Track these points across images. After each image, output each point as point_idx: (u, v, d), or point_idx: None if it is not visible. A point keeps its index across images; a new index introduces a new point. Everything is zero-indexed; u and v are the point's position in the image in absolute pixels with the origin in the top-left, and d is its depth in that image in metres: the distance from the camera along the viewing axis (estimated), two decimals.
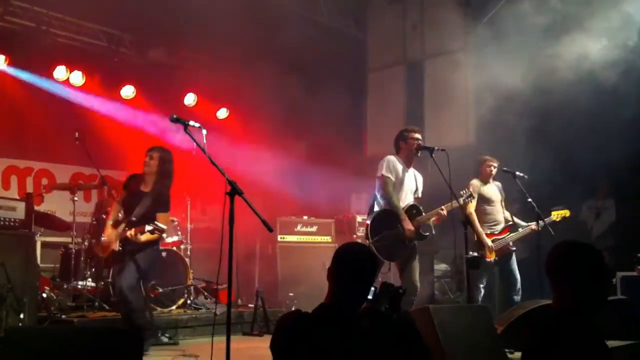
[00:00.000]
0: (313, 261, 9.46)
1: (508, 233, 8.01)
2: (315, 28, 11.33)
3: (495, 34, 9.18)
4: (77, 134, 8.07)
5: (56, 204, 9.69)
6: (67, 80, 9.92)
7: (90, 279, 8.27)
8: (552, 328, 3.12)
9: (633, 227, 9.07)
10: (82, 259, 8.34)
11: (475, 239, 7.89)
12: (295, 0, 10.78)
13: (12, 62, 9.42)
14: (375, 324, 3.33)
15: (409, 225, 6.96)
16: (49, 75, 9.78)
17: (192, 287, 9.04)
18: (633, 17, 8.44)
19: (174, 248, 9.06)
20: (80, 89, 10.06)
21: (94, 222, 8.64)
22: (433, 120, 11.06)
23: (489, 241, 7.92)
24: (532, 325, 3.28)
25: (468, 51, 10.71)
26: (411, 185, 7.29)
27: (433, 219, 7.10)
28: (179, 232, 9.30)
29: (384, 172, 7.11)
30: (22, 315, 6.50)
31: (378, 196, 7.18)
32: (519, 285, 7.97)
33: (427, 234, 7.17)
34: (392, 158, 7.23)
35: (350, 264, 3.36)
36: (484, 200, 8.11)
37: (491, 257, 7.89)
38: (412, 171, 7.35)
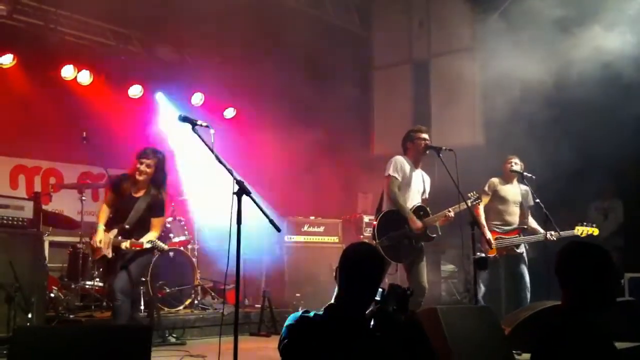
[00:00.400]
0: (320, 261, 9.46)
1: (517, 235, 7.98)
2: (322, 26, 11.33)
3: (503, 31, 9.14)
4: (84, 133, 8.07)
5: (64, 203, 9.71)
6: (75, 79, 9.91)
7: (97, 279, 8.27)
8: (560, 329, 3.11)
9: None
10: (90, 258, 8.34)
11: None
12: None
13: (20, 61, 9.43)
14: (382, 325, 3.32)
15: (416, 224, 6.95)
16: (57, 74, 9.77)
17: (199, 287, 9.05)
18: None
19: (182, 248, 9.07)
20: (88, 88, 10.05)
21: None
22: (440, 120, 11.04)
23: (489, 235, 7.88)
24: (541, 327, 3.27)
25: (475, 49, 10.68)
26: (419, 186, 7.28)
27: (440, 219, 7.11)
28: (186, 232, 9.31)
29: (391, 172, 7.12)
30: (30, 315, 6.51)
31: (385, 196, 7.18)
32: (528, 289, 7.98)
33: (434, 235, 7.16)
34: (400, 158, 7.22)
35: (358, 265, 3.35)
36: (498, 199, 8.16)
37: (492, 253, 7.86)
38: (419, 172, 7.34)
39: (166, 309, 8.40)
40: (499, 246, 7.88)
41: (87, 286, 8.24)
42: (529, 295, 7.96)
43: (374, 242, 6.87)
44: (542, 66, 8.69)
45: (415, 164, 7.27)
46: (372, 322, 3.32)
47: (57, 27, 9.90)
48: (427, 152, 7.18)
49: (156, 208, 6.63)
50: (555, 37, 8.67)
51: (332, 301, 3.37)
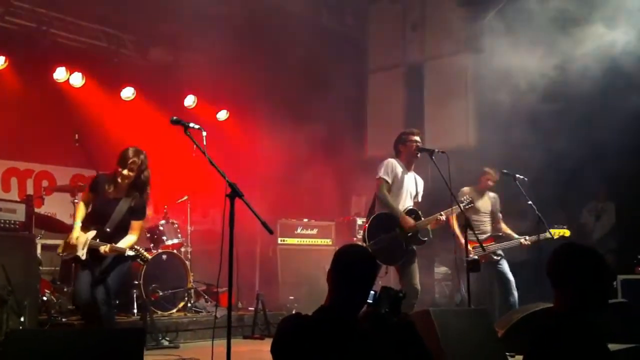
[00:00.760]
0: (313, 264, 9.46)
1: (492, 243, 8.06)
2: (316, 30, 11.34)
3: (496, 34, 9.16)
4: (76, 135, 8.05)
5: (57, 206, 9.66)
6: (67, 81, 9.89)
7: None
8: (554, 331, 3.11)
9: (633, 230, 9.08)
10: (61, 256, 8.25)
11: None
12: (295, 2, 10.77)
13: (12, 63, 9.40)
14: (375, 327, 3.33)
15: (407, 222, 6.96)
16: (49, 77, 9.75)
17: (192, 290, 9.02)
18: None
19: (175, 251, 9.05)
20: (81, 90, 10.03)
21: None
22: (433, 122, 11.06)
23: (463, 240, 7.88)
24: (534, 329, 3.27)
25: (468, 52, 10.70)
26: (411, 189, 7.29)
27: (431, 222, 7.13)
28: (180, 235, 9.29)
29: (381, 174, 7.15)
30: (22, 318, 6.47)
31: (377, 199, 7.20)
32: (512, 285, 8.13)
33: (425, 238, 7.18)
34: (391, 161, 7.24)
35: (350, 267, 3.35)
36: (470, 209, 8.06)
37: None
38: (412, 175, 7.35)
39: (159, 312, 8.37)
40: (477, 254, 7.89)
41: None
42: (517, 296, 8.07)
43: (364, 244, 6.87)
44: (535, 69, 8.72)
45: (407, 167, 7.28)
46: (364, 324, 3.32)
47: (50, 30, 9.89)
48: (419, 154, 7.19)
49: (138, 211, 6.31)
50: (549, 38, 8.69)
51: (324, 303, 3.37)
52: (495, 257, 8.12)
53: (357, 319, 3.34)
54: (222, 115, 11.64)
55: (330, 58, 11.20)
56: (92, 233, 6.12)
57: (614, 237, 9.53)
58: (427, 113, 11.33)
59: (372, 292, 3.39)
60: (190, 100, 11.18)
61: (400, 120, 11.47)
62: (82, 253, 6.06)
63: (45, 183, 10.05)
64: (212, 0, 9.30)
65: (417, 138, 7.28)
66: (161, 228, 9.10)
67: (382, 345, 3.28)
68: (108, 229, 6.13)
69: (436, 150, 6.94)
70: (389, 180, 7.12)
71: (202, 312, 8.90)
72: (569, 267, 3.20)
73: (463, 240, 7.85)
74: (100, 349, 3.82)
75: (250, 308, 9.31)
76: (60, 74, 9.85)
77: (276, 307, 9.36)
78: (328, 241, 10.35)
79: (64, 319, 7.57)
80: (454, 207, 6.95)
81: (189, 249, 9.48)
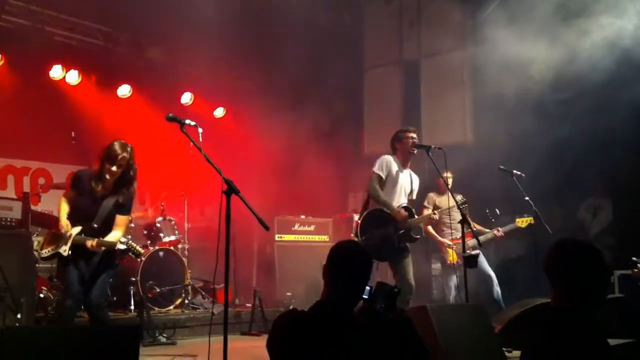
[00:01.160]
0: (311, 260, 9.45)
1: (470, 238, 8.11)
2: (312, 27, 11.32)
3: (497, 29, 9.15)
4: (73, 133, 8.04)
5: (53, 204, 9.59)
6: (64, 79, 9.87)
7: None
8: (552, 327, 3.11)
9: (630, 226, 9.08)
10: (39, 254, 8.24)
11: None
12: None
13: (8, 61, 9.38)
14: (371, 322, 3.33)
15: (400, 214, 6.98)
16: (45, 74, 9.73)
17: (189, 287, 9.03)
18: None
19: (172, 247, 9.05)
20: (76, 88, 10.02)
21: None
22: (430, 119, 11.06)
23: (446, 241, 8.48)
24: (532, 324, 3.27)
25: (466, 48, 10.70)
26: (406, 186, 7.30)
27: (424, 220, 7.24)
28: (177, 232, 9.29)
29: (375, 169, 7.19)
30: (19, 315, 6.47)
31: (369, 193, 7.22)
32: (494, 280, 8.34)
33: (417, 236, 7.20)
34: (388, 157, 7.26)
35: (346, 263, 3.36)
36: (441, 213, 8.32)
37: (452, 260, 8.38)
38: (408, 172, 7.36)
39: (156, 308, 8.38)
40: (458, 250, 8.04)
41: None
42: (495, 283, 8.31)
43: (357, 239, 6.88)
44: (532, 66, 8.71)
45: (403, 164, 7.29)
46: (360, 320, 3.32)
47: (45, 27, 9.86)
48: (415, 151, 7.20)
49: (125, 206, 6.11)
50: (551, 31, 8.67)
51: (320, 298, 3.37)
52: (474, 252, 8.17)
53: (352, 315, 3.34)
54: (219, 112, 11.63)
55: (327, 55, 11.19)
56: (77, 229, 5.92)
57: (611, 233, 9.52)
58: (424, 110, 11.32)
59: (367, 287, 3.39)
60: (187, 98, 11.17)
61: (397, 117, 11.47)
62: (64, 249, 5.86)
63: (41, 180, 10.03)
64: None
65: (414, 135, 7.29)
66: (158, 225, 9.11)
67: (378, 340, 3.28)
68: (95, 225, 5.94)
69: (433, 146, 6.96)
70: (383, 176, 7.14)
71: (199, 308, 8.90)
72: (567, 262, 3.20)
73: (440, 238, 8.53)
74: (97, 346, 3.80)
75: (247, 304, 9.33)
76: (56, 72, 9.85)
77: (273, 304, 9.37)
78: (325, 238, 10.35)
79: None
80: (450, 206, 6.98)
81: (186, 246, 9.48)
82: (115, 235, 5.98)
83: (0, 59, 9.34)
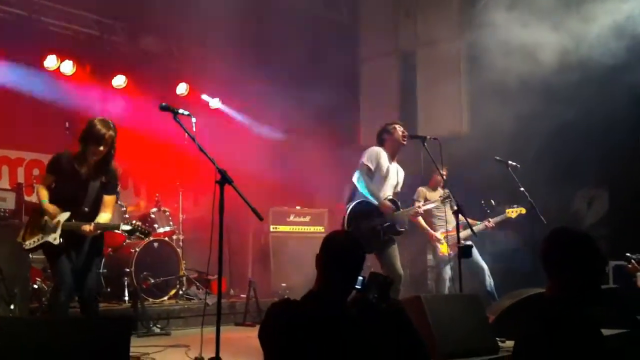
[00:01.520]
0: (306, 251, 9.42)
1: (462, 229, 8.14)
2: (309, 18, 11.29)
3: (489, 21, 9.11)
4: (67, 123, 8.00)
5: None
6: (58, 69, 9.83)
7: None
8: (547, 316, 3.10)
9: (625, 216, 9.09)
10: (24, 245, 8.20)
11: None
12: None
13: (2, 51, 9.33)
14: (364, 312, 3.32)
15: (385, 206, 6.99)
16: (40, 65, 9.69)
17: (184, 278, 9.02)
18: None
19: (166, 238, 9.04)
20: (71, 78, 9.98)
21: None
22: (426, 109, 11.04)
23: (438, 235, 8.55)
24: (527, 314, 3.27)
25: (462, 38, 10.67)
26: (393, 179, 7.30)
27: (410, 213, 7.27)
28: (171, 223, 9.28)
29: (365, 160, 7.16)
30: (12, 306, 6.47)
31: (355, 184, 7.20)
32: (487, 271, 8.41)
33: (402, 229, 7.19)
34: (377, 149, 7.25)
35: (339, 253, 3.35)
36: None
37: (445, 251, 8.47)
38: (395, 165, 7.35)
39: (150, 299, 8.36)
40: (451, 242, 8.14)
41: None
42: (488, 275, 8.39)
43: None
44: (527, 56, 8.68)
45: (391, 157, 7.27)
46: (353, 310, 3.32)
47: (41, 17, 9.81)
48: (405, 142, 7.21)
49: (111, 185, 5.85)
50: (547, 22, 8.64)
51: (313, 288, 3.36)
52: (468, 243, 8.18)
53: (345, 304, 3.34)
54: (215, 103, 11.59)
55: (323, 46, 11.16)
56: (65, 215, 5.63)
57: (606, 223, 9.53)
58: (420, 100, 11.30)
59: (360, 278, 3.38)
60: (182, 88, 11.12)
61: (393, 107, 11.46)
62: (54, 237, 5.57)
63: (36, 171, 9.98)
64: None
65: (402, 128, 7.28)
66: (153, 216, 9.09)
67: (372, 330, 3.27)
68: (86, 209, 5.71)
69: (428, 137, 6.95)
70: (372, 168, 7.12)
71: (193, 299, 8.90)
72: (562, 252, 3.19)
73: (431, 232, 8.60)
74: (88, 337, 3.80)
75: (242, 295, 9.31)
76: (51, 62, 9.79)
77: (268, 295, 9.36)
78: (320, 228, 10.34)
79: None
80: (434, 200, 7.19)
81: (181, 237, 9.48)
82: (106, 217, 5.77)
83: None
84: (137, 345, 6.22)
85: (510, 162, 7.86)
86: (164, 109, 4.94)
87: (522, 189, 7.71)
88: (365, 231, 6.88)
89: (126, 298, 8.26)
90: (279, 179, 10.47)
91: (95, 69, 10.23)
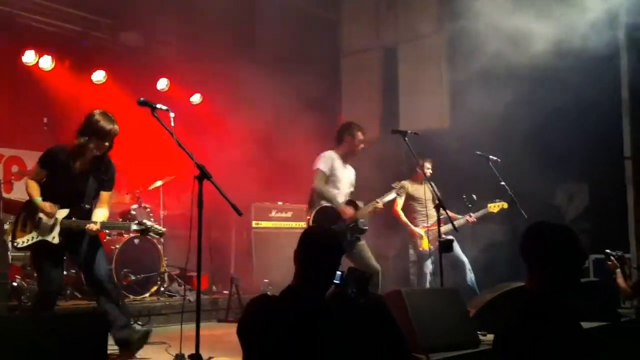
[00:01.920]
0: (288, 247, 9.31)
1: (443, 224, 8.16)
2: (291, 12, 11.24)
3: (470, 15, 9.11)
4: (45, 119, 7.92)
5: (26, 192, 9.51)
6: (37, 64, 9.73)
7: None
8: (527, 310, 3.10)
9: (605, 211, 9.15)
10: (12, 245, 8.12)
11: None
12: None
13: None
14: (343, 307, 3.31)
15: (346, 212, 6.98)
16: (18, 60, 9.59)
17: (165, 274, 8.97)
18: None
19: (148, 235, 8.96)
20: (50, 73, 9.88)
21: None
22: (408, 105, 11.05)
23: (419, 230, 8.56)
24: (507, 308, 3.27)
25: (443, 32, 10.67)
26: (347, 181, 7.33)
27: (370, 210, 7.20)
28: (152, 219, 9.21)
29: (320, 166, 7.16)
30: None
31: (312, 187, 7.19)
32: (467, 266, 8.41)
33: (366, 227, 7.22)
34: (330, 153, 7.26)
35: (316, 248, 3.34)
36: (413, 199, 8.65)
37: (426, 247, 8.47)
38: (348, 167, 7.39)
39: (131, 296, 8.31)
40: (432, 237, 8.19)
41: None
42: (469, 270, 8.39)
43: None
44: (508, 49, 8.68)
45: (345, 159, 7.30)
46: (332, 304, 3.31)
47: (20, 12, 9.70)
48: (359, 151, 7.31)
49: (110, 180, 5.70)
50: (524, 13, 8.64)
51: (291, 282, 3.35)
52: (449, 237, 8.22)
53: (324, 299, 3.33)
54: (196, 98, 11.52)
55: (305, 41, 11.12)
56: (64, 212, 5.44)
57: (587, 218, 9.58)
58: (402, 95, 11.30)
59: (338, 273, 3.38)
60: (163, 84, 11.03)
61: (375, 103, 11.47)
62: (52, 236, 5.38)
63: (15, 168, 9.87)
64: None
65: (362, 136, 7.29)
66: (133, 212, 9.02)
67: (351, 325, 3.26)
68: (87, 206, 5.52)
69: (409, 132, 6.96)
70: (327, 173, 7.14)
71: (175, 296, 8.86)
72: (542, 245, 3.19)
73: (413, 227, 8.60)
74: (65, 334, 3.76)
75: (224, 292, 9.27)
76: (29, 57, 9.68)
77: (251, 291, 9.30)
78: (302, 224, 10.25)
79: None
80: (387, 195, 7.16)
81: None
82: (104, 214, 5.58)
83: None
84: None
85: (491, 156, 7.89)
86: (142, 103, 4.90)
87: (502, 183, 7.75)
88: None
89: None
90: (261, 174, 10.42)
91: (74, 65, 10.13)
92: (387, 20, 11.65)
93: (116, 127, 5.55)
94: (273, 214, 10.24)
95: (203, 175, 4.57)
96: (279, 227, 10.21)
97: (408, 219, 8.66)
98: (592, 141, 8.88)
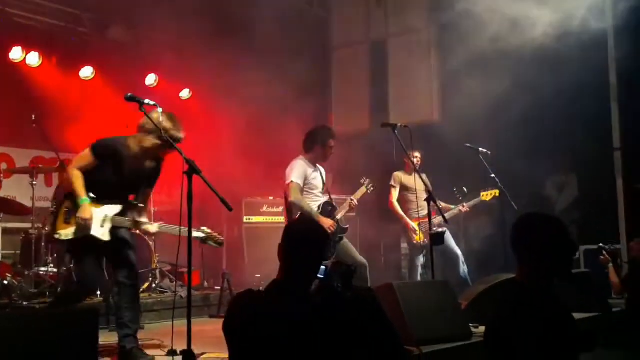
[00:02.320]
0: (279, 242, 9.39)
1: (435, 216, 8.15)
2: (280, 6, 11.20)
3: (460, 10, 9.11)
4: (33, 116, 7.87)
5: (16, 189, 9.47)
6: (24, 61, 9.67)
7: (52, 265, 8.10)
8: (518, 301, 3.11)
9: (594, 201, 9.19)
10: (43, 244, 8.13)
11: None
12: None
13: None
14: (329, 301, 3.29)
15: (326, 223, 6.88)
16: (5, 57, 9.52)
17: (157, 271, 8.94)
18: None
19: (138, 231, 8.93)
20: (38, 70, 9.82)
21: (53, 208, 8.43)
22: (398, 98, 11.05)
23: (412, 223, 8.55)
24: (497, 300, 3.27)
25: (432, 25, 10.68)
26: (320, 184, 7.29)
27: (346, 210, 7.26)
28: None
29: (294, 178, 7.03)
30: None
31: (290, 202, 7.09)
32: (461, 258, 8.39)
33: (347, 226, 7.28)
34: (300, 162, 7.16)
35: (300, 241, 3.33)
36: (406, 189, 8.65)
37: (419, 240, 8.47)
38: (317, 169, 7.34)
39: None
40: (425, 229, 8.17)
41: (41, 272, 8.05)
42: (463, 263, 8.36)
43: None
44: (497, 41, 8.69)
45: (313, 163, 7.25)
46: (317, 299, 3.29)
47: (5, 9, 9.64)
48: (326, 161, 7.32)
49: (156, 178, 5.62)
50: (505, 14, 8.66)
51: (277, 277, 3.33)
52: (441, 230, 8.23)
53: (309, 293, 3.31)
54: (185, 93, 11.48)
55: (294, 35, 11.09)
56: (115, 208, 5.28)
57: (577, 208, 9.61)
58: (391, 89, 11.30)
59: (322, 267, 3.36)
60: (151, 79, 10.99)
61: (365, 97, 11.48)
62: (102, 232, 5.17)
63: (4, 166, 9.82)
64: None
65: (332, 146, 7.22)
66: None
67: (338, 319, 3.23)
68: (141, 205, 5.46)
69: (399, 124, 6.94)
70: (301, 183, 7.05)
71: (167, 292, 8.82)
72: (532, 236, 3.19)
73: (408, 220, 8.60)
74: (55, 330, 3.74)
75: (216, 287, 9.26)
76: (16, 53, 9.62)
77: (243, 286, 9.23)
78: None
79: (25, 303, 7.46)
80: (360, 190, 7.29)
81: None
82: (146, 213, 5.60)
83: None
84: (108, 339, 6.16)
85: (481, 148, 7.90)
86: (129, 99, 4.86)
87: (492, 175, 7.76)
88: None
89: (98, 292, 8.16)
90: (252, 169, 10.39)
91: (62, 61, 10.08)
92: (377, 15, 11.64)
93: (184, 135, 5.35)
94: (264, 209, 10.23)
95: (192, 170, 4.55)
96: (270, 222, 10.20)
97: (402, 210, 8.66)
98: (582, 133, 8.92)
